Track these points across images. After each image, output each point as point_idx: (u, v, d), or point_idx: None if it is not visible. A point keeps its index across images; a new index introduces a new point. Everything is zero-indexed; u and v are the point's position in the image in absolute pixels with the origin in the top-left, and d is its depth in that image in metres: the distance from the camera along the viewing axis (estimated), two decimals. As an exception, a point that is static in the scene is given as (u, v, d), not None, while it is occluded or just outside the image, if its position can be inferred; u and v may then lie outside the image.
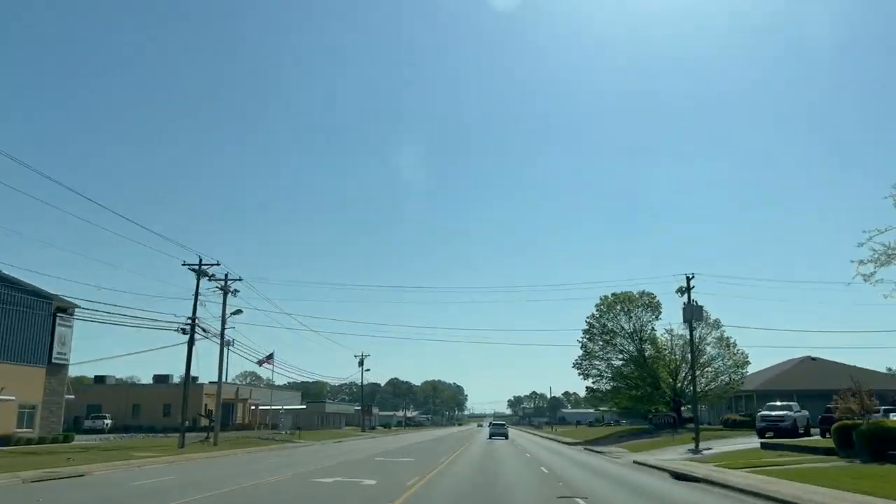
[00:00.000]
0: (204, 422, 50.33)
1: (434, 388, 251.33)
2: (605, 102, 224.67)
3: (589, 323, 53.39)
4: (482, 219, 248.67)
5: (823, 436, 25.76)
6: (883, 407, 25.67)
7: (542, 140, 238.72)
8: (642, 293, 52.29)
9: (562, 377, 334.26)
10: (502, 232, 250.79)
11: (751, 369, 50.12)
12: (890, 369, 76.92)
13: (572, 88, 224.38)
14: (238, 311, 37.46)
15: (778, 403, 33.49)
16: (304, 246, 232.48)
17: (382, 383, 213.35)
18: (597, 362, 53.23)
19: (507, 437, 58.10)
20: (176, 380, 69.86)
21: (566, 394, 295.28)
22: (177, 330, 32.51)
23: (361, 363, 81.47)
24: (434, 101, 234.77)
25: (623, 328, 52.13)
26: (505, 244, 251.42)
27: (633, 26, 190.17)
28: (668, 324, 51.82)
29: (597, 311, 53.38)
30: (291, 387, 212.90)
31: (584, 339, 53.13)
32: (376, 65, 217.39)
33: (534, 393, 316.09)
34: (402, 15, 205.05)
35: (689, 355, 42.18)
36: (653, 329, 51.70)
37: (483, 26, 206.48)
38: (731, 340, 48.50)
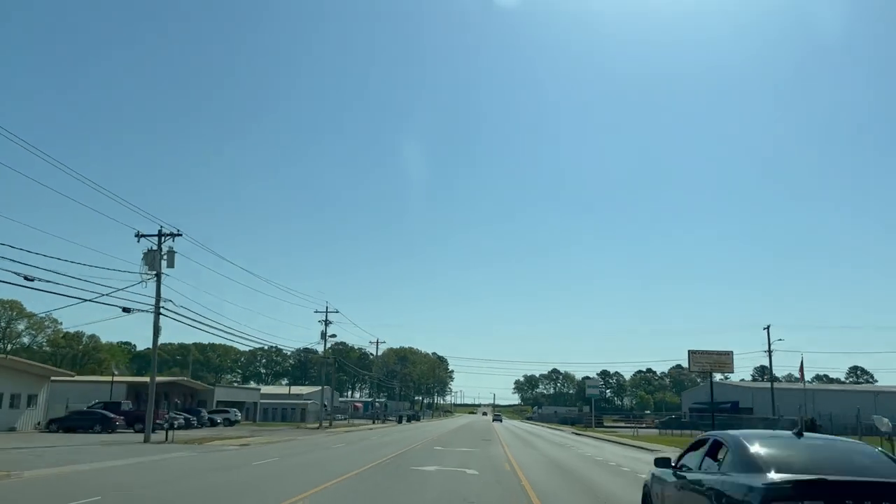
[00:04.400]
0: None
1: (402, 358, 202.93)
2: (610, 98, 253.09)
3: None
4: (484, 216, 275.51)
5: None
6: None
7: (546, 136, 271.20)
8: None
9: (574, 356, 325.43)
10: (505, 229, 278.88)
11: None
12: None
13: (576, 84, 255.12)
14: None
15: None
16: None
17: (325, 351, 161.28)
18: None
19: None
20: None
21: (604, 374, 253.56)
22: None
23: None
24: (438, 99, 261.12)
25: None
26: (506, 242, 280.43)
27: (637, 22, 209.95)
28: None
29: None
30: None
31: None
32: (380, 63, 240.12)
33: (554, 372, 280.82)
34: (406, 13, 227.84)
35: None
36: None
37: (486, 23, 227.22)
38: None
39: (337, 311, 68.97)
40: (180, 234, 36.15)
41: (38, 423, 46.55)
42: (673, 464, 9.55)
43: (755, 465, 7.00)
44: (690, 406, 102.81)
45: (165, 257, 35.73)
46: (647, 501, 10.86)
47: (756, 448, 7.44)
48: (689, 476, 8.42)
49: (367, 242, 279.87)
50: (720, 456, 7.96)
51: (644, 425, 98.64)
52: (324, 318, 67.95)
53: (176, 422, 54.03)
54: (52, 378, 47.77)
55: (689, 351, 51.52)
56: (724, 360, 51.52)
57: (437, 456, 28.12)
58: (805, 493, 6.08)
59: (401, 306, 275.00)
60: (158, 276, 35.53)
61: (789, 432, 8.35)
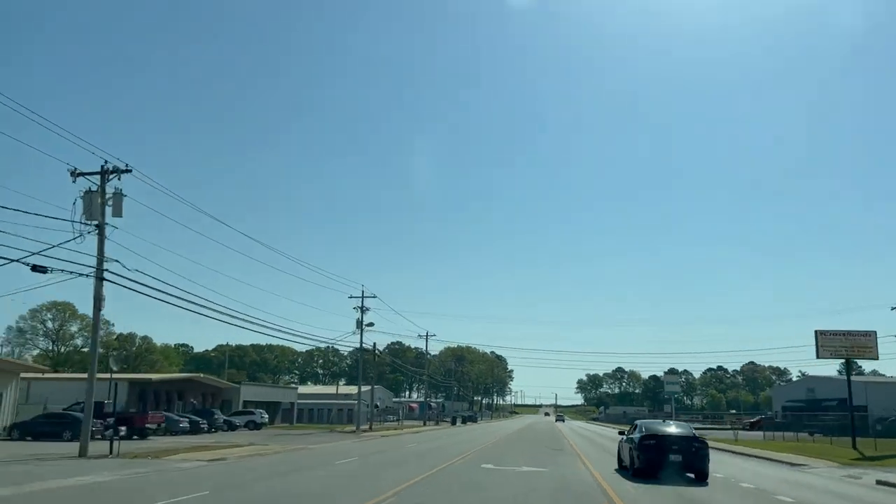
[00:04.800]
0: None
1: (459, 357, 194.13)
2: (621, 97, 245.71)
3: None
4: (496, 217, 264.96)
5: None
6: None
7: (558, 140, 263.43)
8: None
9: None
10: (514, 234, 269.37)
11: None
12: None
13: (589, 84, 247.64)
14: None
15: None
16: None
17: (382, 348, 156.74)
18: None
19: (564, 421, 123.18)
20: None
21: (672, 371, 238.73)
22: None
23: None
24: (449, 101, 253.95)
25: None
26: (516, 249, 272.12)
27: (649, 23, 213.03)
28: None
29: None
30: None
31: None
32: (392, 63, 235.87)
33: (619, 371, 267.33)
34: (416, 14, 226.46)
35: None
36: None
37: (500, 25, 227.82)
38: None
39: (374, 297, 58.57)
40: (129, 171, 26.13)
41: (4, 428, 37.55)
42: (624, 434, 23.25)
43: (641, 430, 20.67)
44: (783, 405, 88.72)
45: (110, 202, 25.73)
46: (619, 451, 23.79)
47: (643, 424, 21.41)
48: (627, 437, 22.05)
49: (416, 239, 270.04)
50: (636, 429, 21.32)
51: (729, 426, 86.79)
52: (360, 305, 57.64)
53: (179, 425, 44.79)
54: (23, 374, 38.60)
55: (816, 332, 38.99)
56: (864, 343, 38.86)
57: (481, 489, 16.89)
58: (650, 437, 19.89)
59: (455, 306, 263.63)
60: (101, 227, 25.55)
61: (661, 420, 24.58)
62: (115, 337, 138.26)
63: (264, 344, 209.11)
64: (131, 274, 25.53)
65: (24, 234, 22.60)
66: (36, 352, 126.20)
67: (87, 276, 24.99)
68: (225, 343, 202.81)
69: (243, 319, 35.72)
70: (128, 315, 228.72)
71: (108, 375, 50.98)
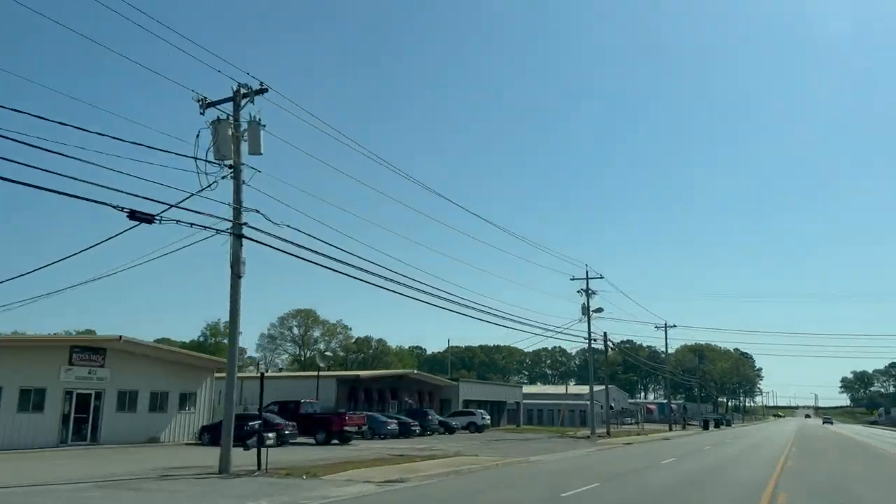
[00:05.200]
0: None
1: (700, 355, 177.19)
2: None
3: None
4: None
5: None
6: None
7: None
8: None
9: None
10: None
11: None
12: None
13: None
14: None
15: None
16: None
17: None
18: None
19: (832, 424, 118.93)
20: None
21: None
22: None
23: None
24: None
25: None
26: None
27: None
28: None
29: None
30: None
31: None
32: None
33: (893, 367, 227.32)
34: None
35: None
36: None
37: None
38: None
39: (600, 277, 48.47)
40: (265, 90, 19.41)
41: (195, 432, 33.70)
42: None
43: None
44: None
45: (246, 135, 19.19)
46: None
47: None
48: None
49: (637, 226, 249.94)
50: None
51: None
52: (584, 288, 47.96)
53: (386, 428, 38.51)
54: (217, 373, 34.58)
55: None
56: None
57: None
58: None
59: (680, 288, 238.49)
60: (236, 168, 19.08)
61: None
62: (353, 340, 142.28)
63: (492, 345, 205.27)
64: (281, 231, 18.73)
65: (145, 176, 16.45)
66: (284, 356, 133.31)
67: (222, 231, 18.55)
68: (452, 343, 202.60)
69: (465, 305, 27.91)
70: (363, 317, 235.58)
71: (315, 373, 46.65)
